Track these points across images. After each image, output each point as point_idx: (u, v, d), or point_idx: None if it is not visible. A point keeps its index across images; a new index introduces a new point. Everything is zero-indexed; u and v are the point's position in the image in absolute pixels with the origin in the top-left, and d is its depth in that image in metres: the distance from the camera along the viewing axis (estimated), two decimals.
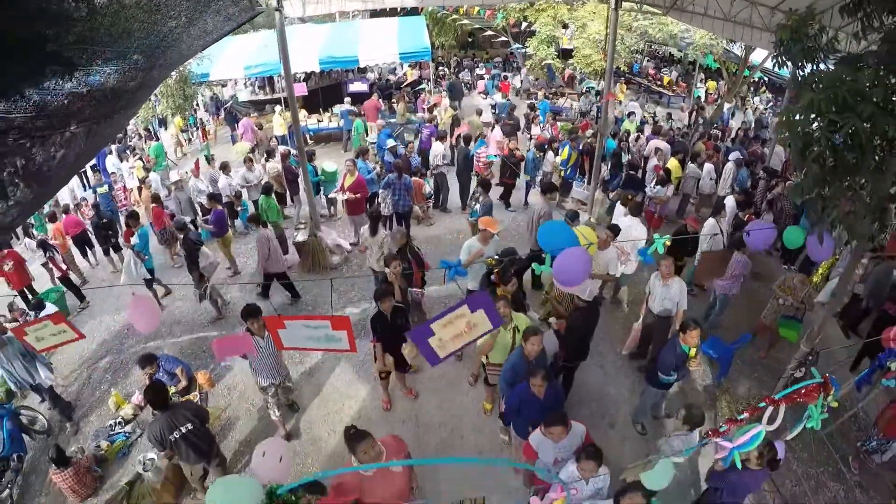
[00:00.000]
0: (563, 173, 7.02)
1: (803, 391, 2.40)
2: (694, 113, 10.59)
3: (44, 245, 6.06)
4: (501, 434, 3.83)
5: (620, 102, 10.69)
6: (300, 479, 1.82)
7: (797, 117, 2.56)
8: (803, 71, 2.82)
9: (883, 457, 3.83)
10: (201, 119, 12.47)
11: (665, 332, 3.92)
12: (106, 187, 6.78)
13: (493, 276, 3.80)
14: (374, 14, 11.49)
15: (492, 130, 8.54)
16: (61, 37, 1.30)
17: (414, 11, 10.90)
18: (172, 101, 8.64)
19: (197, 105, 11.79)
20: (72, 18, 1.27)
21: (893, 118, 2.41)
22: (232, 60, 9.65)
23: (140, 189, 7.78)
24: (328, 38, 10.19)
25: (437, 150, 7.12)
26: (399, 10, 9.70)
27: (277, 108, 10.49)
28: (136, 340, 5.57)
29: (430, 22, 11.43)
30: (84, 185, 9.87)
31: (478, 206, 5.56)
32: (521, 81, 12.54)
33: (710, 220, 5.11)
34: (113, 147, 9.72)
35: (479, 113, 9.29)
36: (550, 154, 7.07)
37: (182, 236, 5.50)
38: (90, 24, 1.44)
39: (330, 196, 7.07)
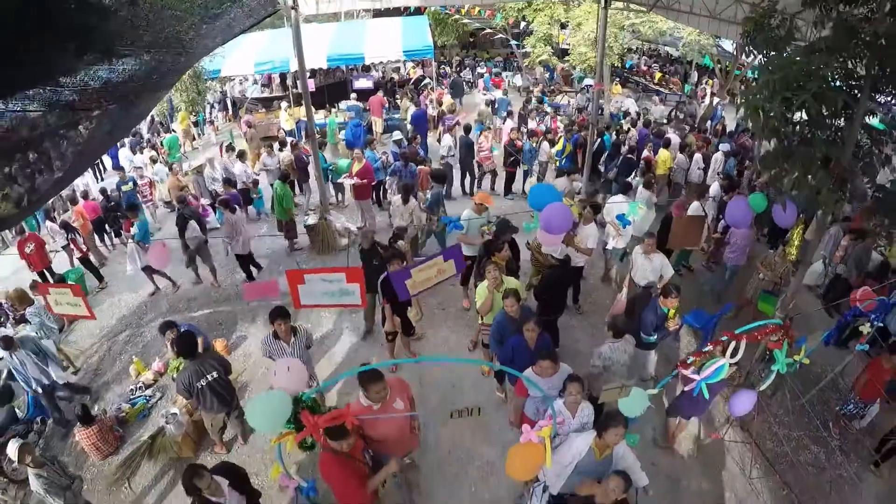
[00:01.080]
0: (557, 163, 7.40)
1: (763, 330, 2.73)
2: (674, 108, 10.96)
3: (66, 226, 6.41)
4: (498, 392, 4.17)
5: (616, 100, 11.12)
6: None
7: (757, 96, 2.92)
8: (767, 58, 3.19)
9: (862, 422, 4.06)
10: (212, 114, 12.86)
11: (648, 301, 4.26)
12: (131, 184, 7.02)
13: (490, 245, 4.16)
14: (378, 14, 11.90)
15: (503, 122, 9.00)
16: (104, 26, 1.55)
17: (417, 12, 11.32)
18: (186, 96, 9.04)
19: (207, 101, 12.19)
20: (113, 11, 1.53)
21: (841, 94, 2.77)
22: (242, 57, 10.05)
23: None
24: (335, 36, 10.60)
25: (446, 142, 7.57)
26: (403, 10, 10.11)
27: (283, 104, 10.89)
28: (155, 315, 5.92)
29: (433, 22, 11.86)
30: (97, 178, 10.26)
31: (428, 195, 5.88)
32: (522, 80, 13.00)
33: (695, 203, 5.46)
34: (126, 140, 10.11)
35: (489, 104, 9.74)
36: (546, 144, 7.46)
37: (178, 210, 6.11)
38: (131, 14, 1.70)
39: (338, 182, 7.44)
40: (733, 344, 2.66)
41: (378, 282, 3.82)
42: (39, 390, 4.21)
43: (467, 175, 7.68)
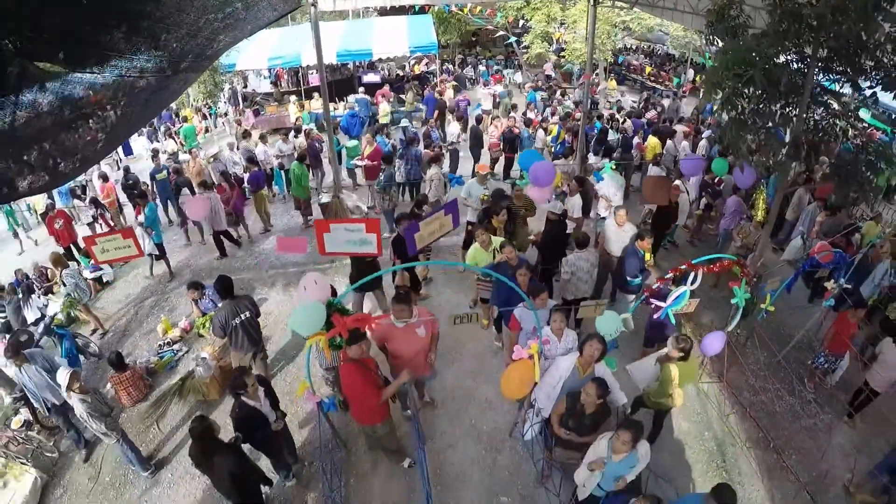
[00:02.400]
0: (552, 149, 7.92)
1: (720, 263, 3.18)
2: (644, 101, 11.47)
3: (95, 202, 6.89)
4: (495, 341, 4.61)
5: (612, 96, 11.69)
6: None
7: (714, 75, 3.41)
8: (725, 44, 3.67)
9: (834, 377, 4.38)
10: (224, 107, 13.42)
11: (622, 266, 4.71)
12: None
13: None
14: (385, 13, 12.51)
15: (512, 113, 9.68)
16: (155, 12, 1.84)
17: (422, 10, 11.92)
18: (204, 88, 9.57)
19: (224, 94, 12.76)
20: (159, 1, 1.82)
21: (785, 70, 3.25)
22: (256, 52, 10.59)
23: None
24: (343, 34, 11.16)
25: (454, 129, 8.16)
26: (408, 8, 10.69)
27: (293, 97, 11.44)
28: (178, 283, 6.38)
29: (437, 21, 12.44)
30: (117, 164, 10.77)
31: (382, 177, 6.40)
32: (522, 77, 13.59)
33: (676, 182, 5.95)
34: (144, 129, 10.63)
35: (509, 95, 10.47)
36: (541, 132, 8.00)
37: (175, 181, 6.94)
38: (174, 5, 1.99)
39: (350, 168, 7.95)
40: (692, 273, 3.11)
41: (370, 275, 4.21)
42: (48, 407, 3.89)
43: (476, 160, 8.23)
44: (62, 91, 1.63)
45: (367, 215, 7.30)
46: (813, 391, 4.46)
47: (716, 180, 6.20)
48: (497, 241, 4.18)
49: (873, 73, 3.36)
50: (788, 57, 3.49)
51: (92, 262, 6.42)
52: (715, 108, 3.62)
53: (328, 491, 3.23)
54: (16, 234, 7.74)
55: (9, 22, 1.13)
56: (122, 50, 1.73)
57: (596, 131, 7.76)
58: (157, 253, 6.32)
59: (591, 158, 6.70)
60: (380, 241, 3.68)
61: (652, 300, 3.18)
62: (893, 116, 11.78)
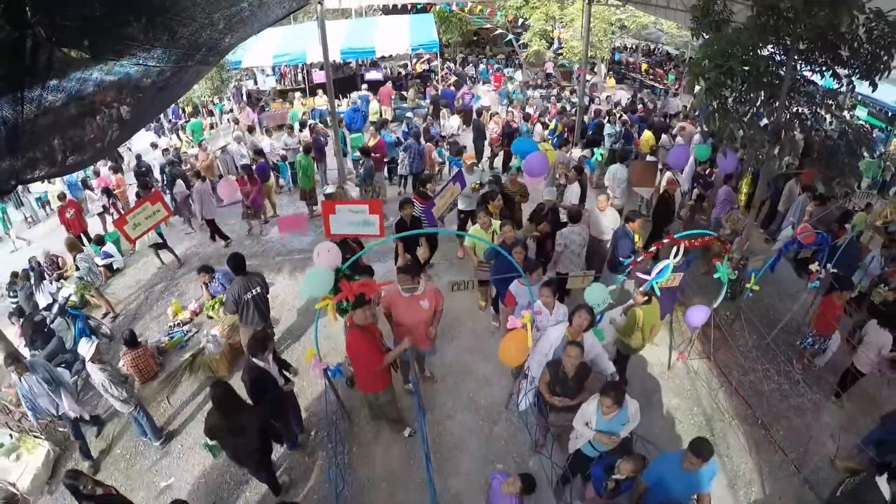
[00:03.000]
0: (549, 142, 8.13)
1: (701, 238, 3.36)
2: (635, 95, 11.71)
3: (107, 192, 7.12)
4: (493, 321, 4.79)
5: (610, 93, 11.96)
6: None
7: (697, 66, 3.61)
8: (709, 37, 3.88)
9: (823, 358, 4.52)
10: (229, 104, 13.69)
11: (602, 248, 4.92)
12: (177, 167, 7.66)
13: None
14: (388, 12, 12.79)
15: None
16: (172, 7, 1.89)
17: (424, 10, 12.19)
18: (210, 84, 9.82)
19: (231, 90, 13.04)
20: None
21: (763, 60, 3.45)
22: (261, 50, 10.84)
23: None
24: (347, 32, 11.41)
25: (454, 122, 8.42)
26: (410, 7, 10.95)
27: (297, 94, 11.70)
28: (188, 270, 6.59)
29: (438, 20, 12.72)
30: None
31: (361, 170, 6.61)
32: (522, 76, 13.84)
33: (668, 174, 6.16)
34: (151, 125, 10.88)
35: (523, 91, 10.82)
36: (539, 126, 8.26)
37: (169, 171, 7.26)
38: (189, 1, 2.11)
39: (355, 157, 8.18)
40: (675, 248, 3.31)
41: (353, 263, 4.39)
42: (47, 419, 3.79)
43: (478, 153, 8.48)
44: (84, 80, 1.70)
45: None
46: (801, 372, 4.62)
47: (707, 172, 6.40)
48: (496, 223, 4.39)
49: (851, 62, 3.56)
50: (770, 49, 3.68)
51: (102, 249, 6.68)
52: (695, 92, 3.81)
53: (332, 458, 3.42)
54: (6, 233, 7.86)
55: (44, 10, 1.19)
56: (140, 41, 1.80)
57: (593, 126, 8.00)
58: (161, 241, 6.54)
59: (575, 151, 6.96)
60: (381, 222, 3.89)
61: (637, 273, 3.37)
62: (889, 114, 11.97)
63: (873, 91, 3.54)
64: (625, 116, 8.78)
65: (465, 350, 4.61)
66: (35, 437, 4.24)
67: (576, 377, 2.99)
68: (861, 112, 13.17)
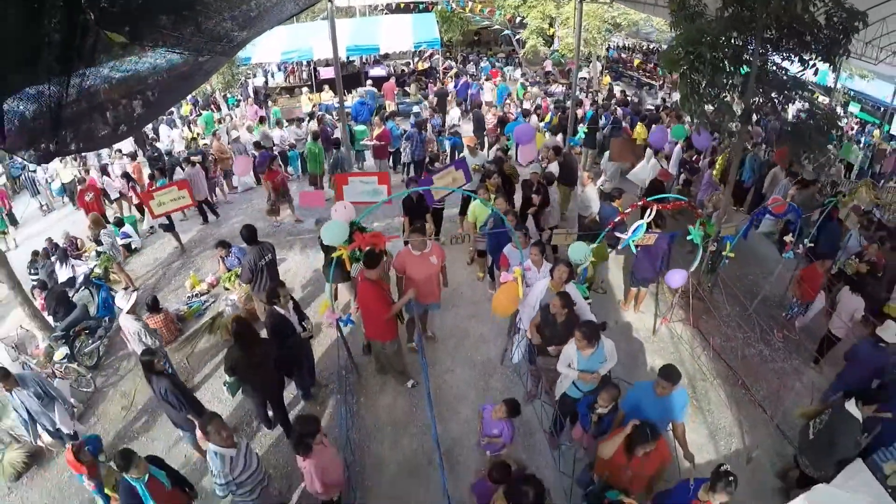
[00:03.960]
0: (544, 133, 8.57)
1: (674, 203, 3.73)
2: (624, 91, 12.14)
3: (127, 176, 7.51)
4: (489, 289, 5.15)
5: (605, 89, 12.47)
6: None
7: (671, 53, 3.99)
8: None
9: (808, 316, 4.79)
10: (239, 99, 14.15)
11: (582, 220, 5.33)
12: (199, 157, 7.64)
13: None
14: (393, 10, 13.29)
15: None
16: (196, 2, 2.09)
17: (426, 9, 12.69)
18: (222, 78, 10.25)
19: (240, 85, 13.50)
20: None
21: (730, 47, 3.83)
22: (270, 47, 11.28)
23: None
24: (352, 30, 11.87)
25: (454, 114, 8.85)
26: (413, 6, 11.43)
27: (304, 89, 12.16)
28: (202, 249, 6.95)
29: (440, 19, 13.21)
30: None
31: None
32: (521, 74, 14.38)
33: (653, 160, 6.56)
34: (163, 118, 11.29)
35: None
36: (534, 118, 8.69)
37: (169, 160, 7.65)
38: None
39: (359, 150, 8.58)
40: (648, 210, 3.68)
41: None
42: (43, 434, 3.60)
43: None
44: (118, 67, 1.89)
45: None
46: (782, 340, 4.94)
47: (693, 158, 6.77)
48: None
49: (814, 46, 3.93)
50: (739, 37, 4.06)
51: (121, 230, 7.05)
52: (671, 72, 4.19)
53: (342, 406, 3.76)
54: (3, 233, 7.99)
55: None
56: (170, 30, 1.95)
57: (588, 117, 8.41)
58: (168, 223, 6.85)
59: (548, 137, 7.46)
60: (390, 190, 4.27)
61: (616, 233, 3.73)
62: (881, 109, 12.37)
63: (833, 70, 3.91)
64: (619, 110, 9.20)
65: (464, 316, 4.97)
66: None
67: (564, 323, 3.33)
68: (854, 108, 13.62)
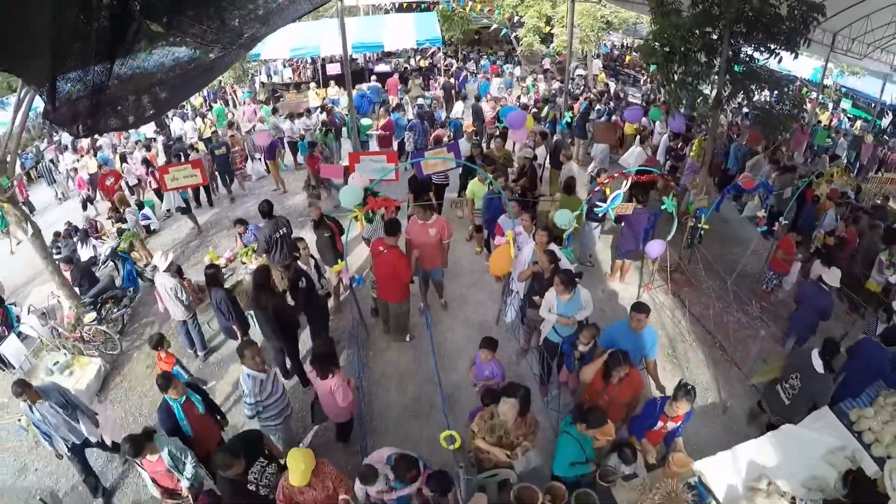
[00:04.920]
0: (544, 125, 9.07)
1: (648, 175, 4.17)
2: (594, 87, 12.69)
3: (146, 162, 7.96)
4: (486, 261, 5.57)
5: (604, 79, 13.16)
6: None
7: (647, 45, 4.46)
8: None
9: (786, 284, 5.17)
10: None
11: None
12: (224, 149, 7.84)
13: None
14: (399, 9, 13.85)
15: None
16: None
17: (427, 9, 13.24)
18: (233, 73, 10.72)
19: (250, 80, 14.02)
20: None
21: (700, 38, 4.29)
22: (279, 44, 11.75)
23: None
24: (358, 28, 12.35)
25: (458, 107, 9.36)
26: (415, 6, 11.95)
27: (312, 84, 12.64)
28: (219, 230, 7.39)
29: (441, 18, 13.74)
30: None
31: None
32: (520, 71, 14.92)
33: (639, 149, 7.03)
34: (176, 110, 11.76)
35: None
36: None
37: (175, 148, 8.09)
38: None
39: (363, 141, 9.06)
40: (623, 181, 4.12)
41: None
42: (65, 449, 3.30)
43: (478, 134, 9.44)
44: (150, 58, 2.01)
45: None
46: (759, 310, 5.33)
47: (679, 146, 7.23)
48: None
49: (778, 37, 4.39)
50: (713, 31, 4.52)
51: (141, 212, 7.49)
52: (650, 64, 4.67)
53: (355, 357, 4.18)
54: (4, 234, 7.90)
55: None
56: (200, 23, 2.04)
57: (583, 108, 8.92)
58: (184, 206, 7.30)
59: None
60: (397, 171, 4.73)
61: (596, 202, 4.19)
62: (873, 105, 12.86)
63: (794, 59, 4.36)
64: (611, 103, 9.68)
65: (463, 285, 5.42)
66: (90, 355, 4.98)
67: (551, 278, 3.76)
68: (846, 104, 14.10)
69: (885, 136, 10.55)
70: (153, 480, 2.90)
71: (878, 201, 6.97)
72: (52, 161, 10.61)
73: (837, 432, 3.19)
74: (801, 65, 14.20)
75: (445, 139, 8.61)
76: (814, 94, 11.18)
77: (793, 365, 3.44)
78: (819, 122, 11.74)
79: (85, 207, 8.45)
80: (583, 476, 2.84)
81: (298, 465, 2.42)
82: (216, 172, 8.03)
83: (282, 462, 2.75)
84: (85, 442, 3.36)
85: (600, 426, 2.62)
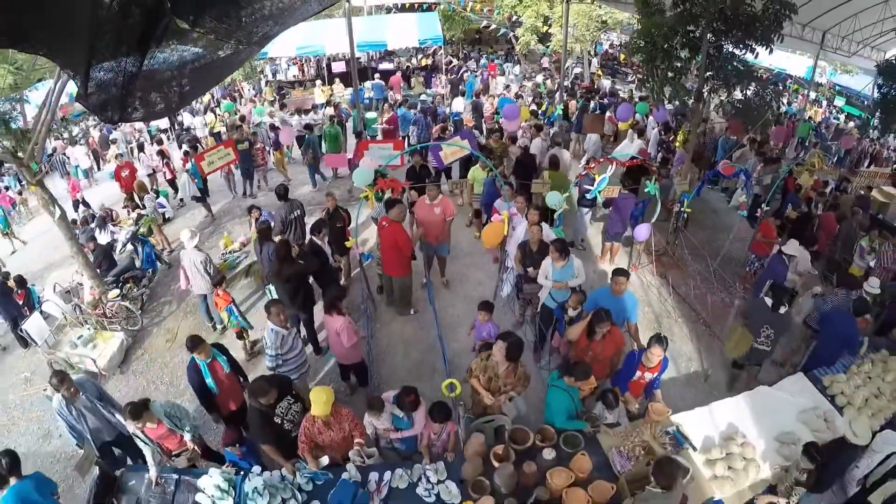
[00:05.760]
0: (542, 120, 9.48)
1: (630, 160, 4.54)
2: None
3: (162, 153, 8.34)
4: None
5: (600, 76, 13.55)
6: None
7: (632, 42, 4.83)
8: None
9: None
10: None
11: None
12: (247, 144, 7.78)
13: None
14: (399, 10, 14.25)
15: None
16: None
17: (429, 8, 13.65)
18: (242, 70, 11.11)
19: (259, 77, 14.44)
20: None
21: (681, 35, 4.66)
22: (286, 42, 12.14)
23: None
24: (361, 28, 12.73)
25: (458, 103, 9.75)
26: (417, 6, 12.35)
27: (318, 82, 13.05)
28: (230, 218, 7.76)
29: (442, 18, 14.15)
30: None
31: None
32: (519, 69, 15.34)
33: (638, 141, 7.37)
34: (186, 108, 12.14)
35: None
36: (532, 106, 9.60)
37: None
38: None
39: (372, 130, 9.47)
40: (609, 166, 4.49)
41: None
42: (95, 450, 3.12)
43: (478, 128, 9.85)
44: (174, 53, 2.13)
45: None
46: (742, 290, 5.67)
47: (670, 139, 7.60)
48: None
49: (755, 34, 4.75)
50: (696, 29, 4.88)
51: (157, 201, 7.85)
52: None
53: (365, 326, 4.54)
54: (5, 235, 8.05)
55: None
56: (221, 21, 2.19)
57: (580, 105, 9.30)
58: (199, 196, 7.67)
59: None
60: (403, 157, 5.10)
61: (584, 185, 4.57)
62: (865, 102, 13.26)
63: (770, 53, 4.73)
64: (606, 99, 10.08)
65: (464, 265, 5.81)
66: (112, 329, 5.32)
67: (539, 251, 4.13)
68: (840, 101, 14.48)
69: (875, 132, 10.89)
70: (158, 446, 2.96)
71: (862, 192, 7.33)
72: (64, 154, 10.99)
73: (811, 396, 3.50)
74: (794, 63, 14.61)
75: (447, 134, 9.02)
76: (808, 93, 11.53)
77: (757, 320, 3.80)
78: (810, 118, 12.12)
79: (76, 209, 8.37)
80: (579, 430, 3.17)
81: (321, 398, 2.77)
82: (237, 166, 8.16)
83: (306, 404, 3.08)
84: (117, 438, 3.23)
85: (586, 378, 2.95)
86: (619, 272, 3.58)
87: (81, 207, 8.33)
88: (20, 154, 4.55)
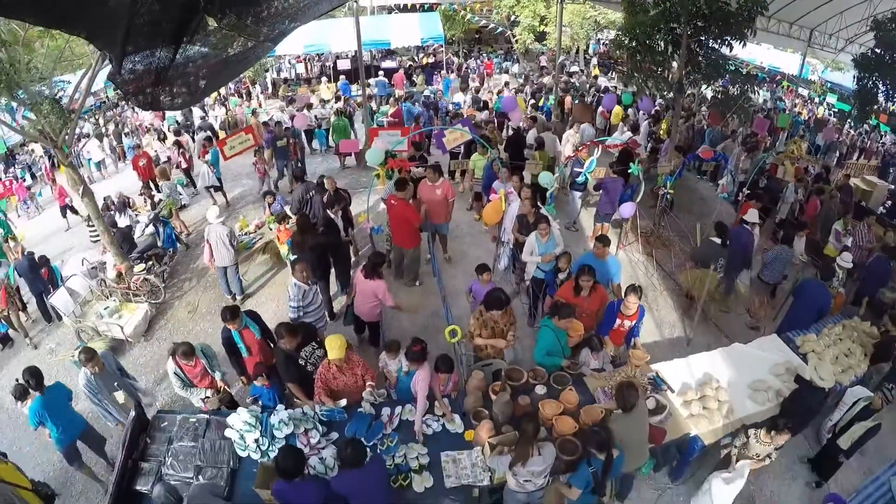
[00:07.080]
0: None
1: (615, 144, 5.00)
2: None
3: (178, 144, 8.78)
4: (484, 226, 6.40)
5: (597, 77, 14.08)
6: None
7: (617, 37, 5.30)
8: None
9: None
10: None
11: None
12: (285, 141, 8.06)
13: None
14: (401, 10, 14.78)
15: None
16: None
17: (430, 8, 14.20)
18: (252, 67, 11.57)
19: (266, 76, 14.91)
20: None
21: (663, 31, 5.12)
22: (293, 40, 12.61)
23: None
24: (365, 26, 13.21)
25: (459, 98, 10.26)
26: (419, 6, 12.88)
27: (324, 79, 13.54)
28: (245, 203, 8.20)
29: (443, 18, 14.68)
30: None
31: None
32: (518, 68, 15.89)
33: (628, 133, 7.83)
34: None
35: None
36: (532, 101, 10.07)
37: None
38: None
39: (380, 122, 9.96)
40: (596, 149, 4.95)
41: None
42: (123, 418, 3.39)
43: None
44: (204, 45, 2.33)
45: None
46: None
47: (658, 130, 8.06)
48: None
49: (731, 29, 5.21)
50: (678, 26, 5.34)
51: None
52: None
53: None
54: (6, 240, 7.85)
55: None
56: (241, 17, 2.29)
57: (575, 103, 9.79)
58: (217, 185, 8.10)
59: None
60: (409, 142, 5.57)
61: (575, 168, 5.03)
62: (849, 97, 13.71)
63: (743, 47, 5.19)
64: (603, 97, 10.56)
65: (464, 244, 6.28)
66: (138, 301, 5.72)
67: (535, 221, 4.56)
68: (832, 98, 14.94)
69: (850, 122, 11.28)
70: (191, 383, 3.37)
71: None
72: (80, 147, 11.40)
73: (785, 354, 3.80)
74: (786, 61, 15.10)
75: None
76: (798, 89, 12.00)
77: (711, 256, 4.57)
78: (795, 108, 12.58)
79: (64, 215, 8.43)
80: (557, 367, 3.58)
81: (335, 343, 3.17)
82: (275, 161, 8.36)
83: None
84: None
85: (568, 317, 3.38)
86: (599, 238, 4.04)
87: (69, 213, 8.51)
88: (61, 134, 4.91)
